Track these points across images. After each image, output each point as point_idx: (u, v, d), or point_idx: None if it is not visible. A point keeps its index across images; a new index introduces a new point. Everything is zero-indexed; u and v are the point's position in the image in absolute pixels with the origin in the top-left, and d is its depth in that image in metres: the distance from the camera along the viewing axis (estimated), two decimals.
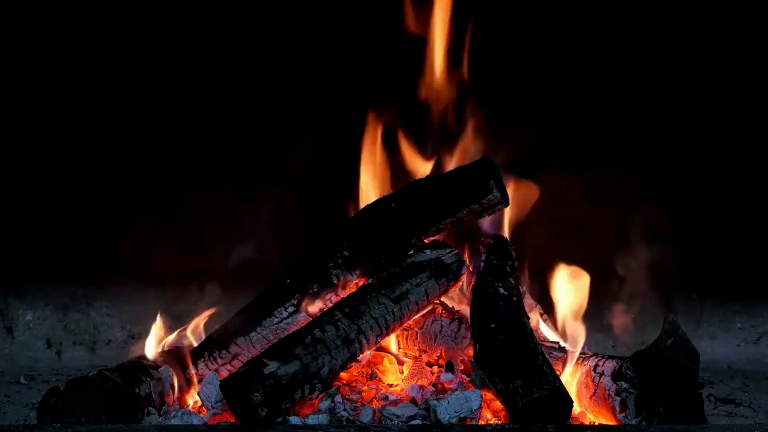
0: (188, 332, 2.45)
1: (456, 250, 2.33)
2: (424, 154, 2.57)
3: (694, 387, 1.92)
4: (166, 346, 2.38)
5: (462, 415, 1.94)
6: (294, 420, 1.96)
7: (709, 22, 2.97)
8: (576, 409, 2.08)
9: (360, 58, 2.96)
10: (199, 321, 2.46)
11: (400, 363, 2.32)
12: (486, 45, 2.84)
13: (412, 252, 2.32)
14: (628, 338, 3.10)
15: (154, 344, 2.31)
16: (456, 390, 2.10)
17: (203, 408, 2.15)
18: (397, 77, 2.68)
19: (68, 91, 3.02)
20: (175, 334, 2.44)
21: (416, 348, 2.36)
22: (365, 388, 2.17)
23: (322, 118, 3.02)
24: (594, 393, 2.07)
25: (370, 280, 2.25)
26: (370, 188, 2.54)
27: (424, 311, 2.31)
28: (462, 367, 2.24)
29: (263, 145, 3.09)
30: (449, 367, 2.25)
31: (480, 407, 1.96)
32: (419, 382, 2.20)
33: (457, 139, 2.56)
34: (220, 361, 2.26)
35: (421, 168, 2.55)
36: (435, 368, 2.29)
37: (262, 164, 3.10)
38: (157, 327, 2.36)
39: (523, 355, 1.98)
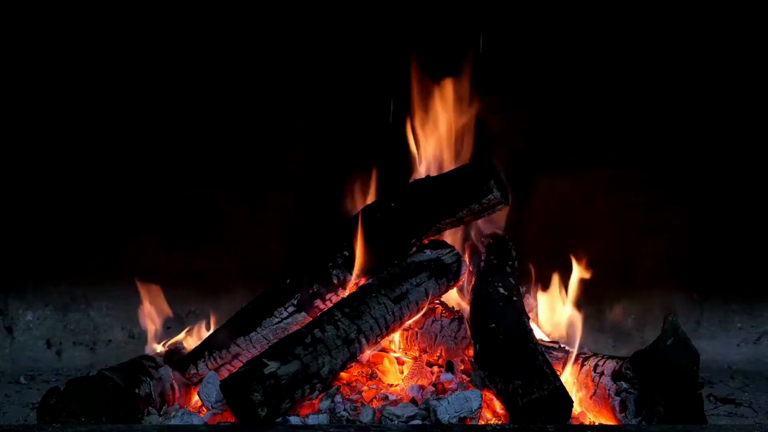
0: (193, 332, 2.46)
1: (456, 250, 2.33)
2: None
3: (694, 387, 1.92)
4: (166, 346, 2.39)
5: (462, 415, 1.94)
6: (294, 420, 1.96)
7: (711, 21, 2.97)
8: (576, 409, 2.08)
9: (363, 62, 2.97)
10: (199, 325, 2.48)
11: (400, 363, 2.32)
12: (487, 44, 2.85)
13: (412, 252, 2.32)
14: (627, 338, 3.10)
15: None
16: (456, 390, 2.10)
17: (203, 408, 2.15)
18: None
19: (70, 92, 3.01)
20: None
21: (416, 348, 2.36)
22: (365, 388, 2.17)
23: (323, 119, 3.02)
24: (594, 393, 2.08)
25: (370, 280, 2.25)
26: None
27: (424, 311, 2.31)
28: (462, 367, 2.24)
29: (263, 145, 3.08)
30: (449, 367, 2.25)
31: (480, 407, 1.96)
32: (419, 382, 2.20)
33: (458, 138, 2.57)
34: (220, 361, 2.26)
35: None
36: (435, 368, 2.29)
37: (262, 164, 3.10)
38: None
39: (523, 355, 1.98)
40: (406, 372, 2.28)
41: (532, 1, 2.98)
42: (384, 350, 2.34)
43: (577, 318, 2.36)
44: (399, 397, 2.11)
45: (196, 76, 3.02)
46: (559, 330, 2.41)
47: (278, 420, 1.94)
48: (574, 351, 2.22)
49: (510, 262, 2.44)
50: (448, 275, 2.29)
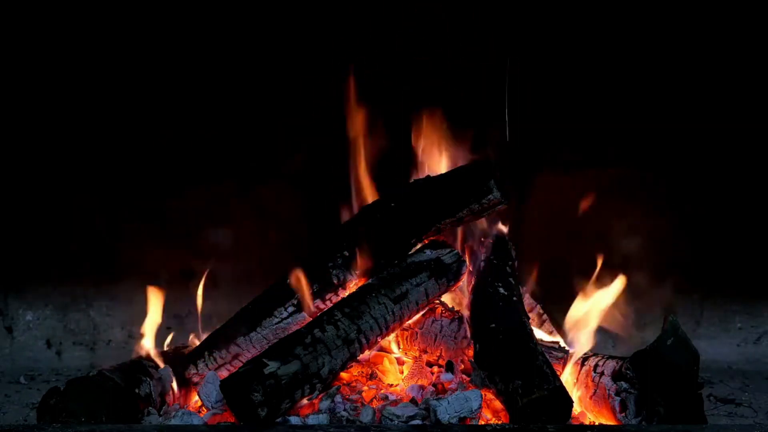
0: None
1: (456, 250, 2.33)
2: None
3: (694, 387, 1.92)
4: (166, 346, 2.39)
5: (462, 415, 1.94)
6: (294, 420, 1.96)
7: (713, 21, 2.98)
8: (576, 409, 2.08)
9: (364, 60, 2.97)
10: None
11: (400, 363, 2.32)
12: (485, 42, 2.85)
13: (412, 252, 2.32)
14: (627, 338, 3.09)
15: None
16: (456, 390, 2.10)
17: (203, 408, 2.15)
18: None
19: (69, 93, 3.01)
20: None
21: (416, 348, 2.36)
22: (365, 388, 2.17)
23: (324, 118, 3.02)
24: (594, 393, 2.07)
25: (370, 280, 2.25)
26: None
27: (424, 311, 2.31)
28: (462, 367, 2.24)
29: (263, 144, 3.09)
30: (449, 367, 2.25)
31: (480, 407, 1.96)
32: (419, 382, 2.20)
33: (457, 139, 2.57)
34: (220, 361, 2.26)
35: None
36: (435, 368, 2.29)
37: (261, 164, 3.10)
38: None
39: (523, 355, 1.98)
40: (406, 372, 2.28)
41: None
42: (384, 350, 2.34)
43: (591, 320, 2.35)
44: (399, 397, 2.11)
45: (197, 76, 3.02)
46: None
47: (278, 420, 1.94)
48: (576, 351, 2.22)
49: (510, 262, 2.44)
50: (448, 275, 2.29)
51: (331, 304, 2.24)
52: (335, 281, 2.29)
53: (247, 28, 3.00)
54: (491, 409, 2.05)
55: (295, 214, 3.10)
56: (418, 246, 2.35)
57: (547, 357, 2.03)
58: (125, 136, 3.05)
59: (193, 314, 2.69)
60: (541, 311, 2.55)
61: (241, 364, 2.13)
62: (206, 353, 2.27)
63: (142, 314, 2.42)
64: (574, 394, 2.11)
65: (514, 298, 2.26)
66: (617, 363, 2.05)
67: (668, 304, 3.10)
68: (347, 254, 2.30)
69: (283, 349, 2.00)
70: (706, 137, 3.05)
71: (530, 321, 2.22)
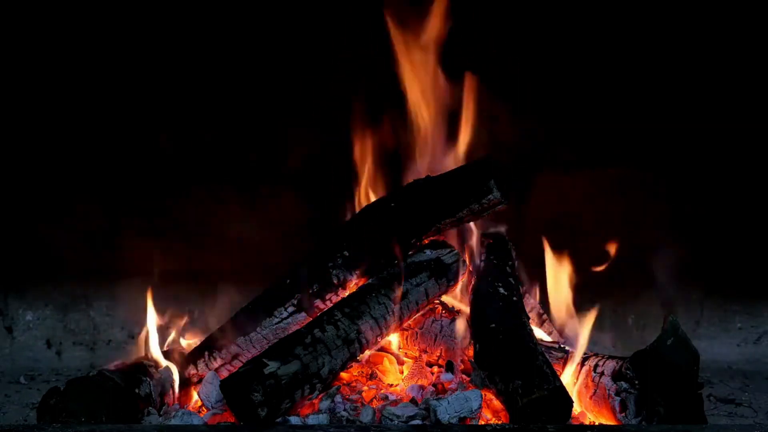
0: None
1: (456, 250, 2.33)
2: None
3: (694, 387, 1.92)
4: (166, 346, 2.38)
5: (462, 415, 1.94)
6: (294, 420, 1.96)
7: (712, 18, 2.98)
8: (576, 409, 2.08)
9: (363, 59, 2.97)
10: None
11: (400, 363, 2.32)
12: (483, 41, 2.85)
13: (412, 252, 2.32)
14: (627, 338, 3.10)
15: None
16: (456, 390, 2.10)
17: (203, 408, 2.15)
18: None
19: (69, 93, 3.02)
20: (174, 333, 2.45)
21: (416, 348, 2.36)
22: (365, 388, 2.17)
23: (323, 118, 3.02)
24: (594, 393, 2.07)
25: (370, 280, 2.25)
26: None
27: (423, 311, 2.31)
28: (462, 367, 2.24)
29: (263, 144, 3.09)
30: (449, 367, 2.25)
31: (480, 407, 1.96)
32: (419, 382, 2.20)
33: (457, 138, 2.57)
34: (220, 361, 2.26)
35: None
36: (435, 368, 2.29)
37: (261, 164, 3.10)
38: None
39: (523, 355, 1.98)
40: (406, 372, 2.28)
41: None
42: (384, 350, 2.34)
43: (582, 318, 2.35)
44: (399, 397, 2.11)
45: (198, 77, 3.02)
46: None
47: (278, 420, 1.94)
48: (576, 351, 2.22)
49: (510, 262, 2.44)
50: (448, 275, 2.29)
51: (331, 304, 2.24)
52: (335, 281, 2.29)
53: (248, 29, 3.01)
54: (491, 409, 2.05)
55: (295, 214, 3.10)
56: (418, 246, 2.35)
57: (547, 357, 2.03)
58: (126, 136, 3.06)
59: (192, 314, 2.69)
60: (541, 311, 2.55)
61: (241, 364, 2.14)
62: (206, 353, 2.27)
63: (142, 314, 2.42)
64: (574, 394, 2.11)
65: (514, 298, 2.26)
66: (617, 363, 2.05)
67: (668, 304, 3.10)
68: (347, 254, 2.30)
69: (283, 349, 2.00)
70: (706, 137, 3.05)
71: (530, 321, 2.23)
